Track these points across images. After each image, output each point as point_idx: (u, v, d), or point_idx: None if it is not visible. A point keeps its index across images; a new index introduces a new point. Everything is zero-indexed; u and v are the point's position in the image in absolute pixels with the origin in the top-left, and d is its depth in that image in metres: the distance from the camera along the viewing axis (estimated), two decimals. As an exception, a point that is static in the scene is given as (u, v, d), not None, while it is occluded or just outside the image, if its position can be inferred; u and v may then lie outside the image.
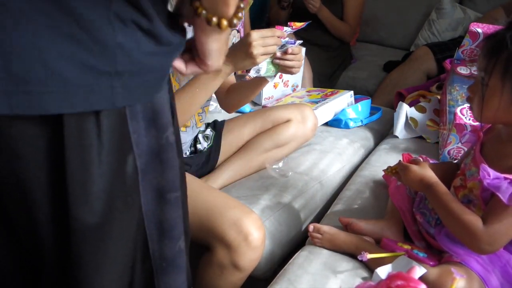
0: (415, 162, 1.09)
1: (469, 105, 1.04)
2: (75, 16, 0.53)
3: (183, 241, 0.72)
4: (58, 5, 0.53)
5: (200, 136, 1.50)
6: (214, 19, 0.62)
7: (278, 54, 1.22)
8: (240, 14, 0.64)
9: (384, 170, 1.21)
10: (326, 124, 1.86)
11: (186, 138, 1.40)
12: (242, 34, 1.78)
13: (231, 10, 0.62)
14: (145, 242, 0.67)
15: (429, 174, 1.03)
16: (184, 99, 1.18)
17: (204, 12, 0.61)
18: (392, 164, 1.39)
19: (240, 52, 1.16)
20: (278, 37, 1.19)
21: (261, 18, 3.08)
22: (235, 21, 0.63)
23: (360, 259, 1.10)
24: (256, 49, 1.15)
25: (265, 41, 1.16)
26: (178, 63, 0.73)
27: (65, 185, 0.58)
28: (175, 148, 0.67)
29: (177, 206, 0.69)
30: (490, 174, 0.90)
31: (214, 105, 1.86)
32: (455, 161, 1.30)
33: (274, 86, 1.99)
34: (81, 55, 0.55)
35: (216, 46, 0.68)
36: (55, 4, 0.53)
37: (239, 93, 1.43)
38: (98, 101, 0.56)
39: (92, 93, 0.56)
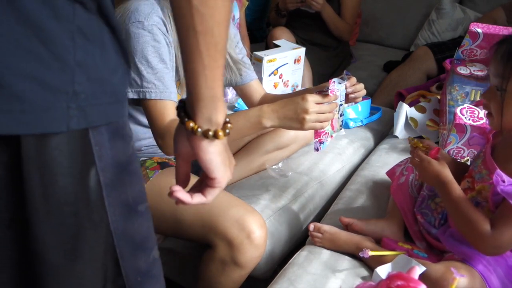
0: (436, 158, 1.09)
1: (486, 111, 1.04)
2: (35, 29, 0.50)
3: (156, 249, 0.70)
4: (17, 15, 0.49)
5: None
6: (211, 133, 0.64)
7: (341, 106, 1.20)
8: (229, 125, 0.67)
9: (409, 138, 1.19)
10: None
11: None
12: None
13: (222, 117, 0.65)
14: (116, 260, 0.63)
15: (446, 172, 1.04)
16: None
17: (199, 129, 0.64)
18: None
19: (292, 113, 1.14)
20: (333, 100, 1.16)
21: (262, 19, 3.08)
22: (227, 130, 0.66)
23: (361, 255, 1.10)
24: (310, 116, 1.13)
25: (321, 108, 1.14)
26: (184, 196, 0.71)
27: (24, 203, 0.54)
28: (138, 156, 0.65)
29: (148, 216, 0.66)
30: (504, 180, 0.91)
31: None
32: (467, 163, 1.30)
33: (274, 86, 1.98)
34: (38, 72, 0.51)
35: (219, 159, 0.68)
36: (13, 15, 0.49)
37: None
38: (53, 122, 0.52)
39: (47, 113, 0.52)
